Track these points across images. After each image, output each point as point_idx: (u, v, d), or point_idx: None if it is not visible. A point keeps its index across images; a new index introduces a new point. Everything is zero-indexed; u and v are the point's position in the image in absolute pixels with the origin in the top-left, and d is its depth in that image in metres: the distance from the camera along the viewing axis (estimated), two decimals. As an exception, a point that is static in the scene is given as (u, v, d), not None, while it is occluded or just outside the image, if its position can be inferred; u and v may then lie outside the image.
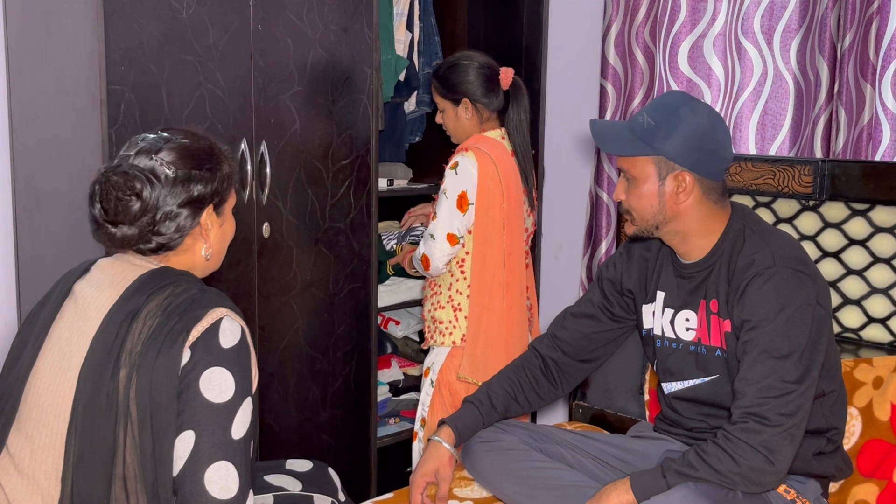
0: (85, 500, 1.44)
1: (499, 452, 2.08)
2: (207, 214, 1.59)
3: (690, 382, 1.99)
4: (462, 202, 2.55)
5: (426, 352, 2.77)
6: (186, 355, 1.44)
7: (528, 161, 2.68)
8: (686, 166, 1.84)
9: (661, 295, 2.03)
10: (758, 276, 1.81)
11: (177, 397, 1.43)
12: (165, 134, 1.58)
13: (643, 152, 1.85)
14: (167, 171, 1.52)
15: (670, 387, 2.04)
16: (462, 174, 2.55)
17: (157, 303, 1.48)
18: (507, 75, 2.65)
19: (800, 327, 1.77)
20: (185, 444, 1.43)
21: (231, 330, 1.48)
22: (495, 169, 2.56)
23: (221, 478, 1.43)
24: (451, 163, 2.58)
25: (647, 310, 2.07)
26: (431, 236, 2.57)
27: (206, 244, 1.61)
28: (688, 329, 1.97)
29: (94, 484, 1.44)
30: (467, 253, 2.60)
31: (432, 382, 2.66)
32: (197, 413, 1.43)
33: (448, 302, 2.63)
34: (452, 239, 2.56)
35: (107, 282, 1.54)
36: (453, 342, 2.62)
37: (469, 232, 2.58)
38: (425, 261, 2.60)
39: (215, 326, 1.47)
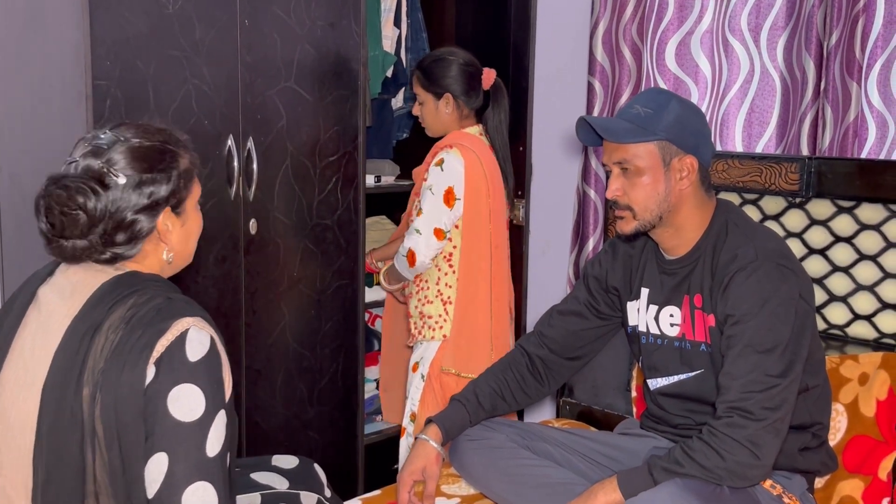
0: None
1: (486, 450, 2.08)
2: (165, 217, 1.49)
3: (675, 378, 2.00)
4: (449, 197, 2.58)
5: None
6: (151, 372, 1.37)
7: (507, 161, 2.74)
8: (691, 151, 1.86)
9: (645, 291, 2.03)
10: (741, 271, 1.82)
11: (143, 416, 1.37)
12: (114, 133, 1.48)
13: (649, 138, 1.84)
14: (115, 177, 1.43)
15: (655, 383, 2.05)
16: (448, 170, 2.58)
17: (120, 314, 1.41)
18: (489, 76, 2.70)
19: (783, 321, 1.77)
20: (157, 466, 1.36)
21: (199, 340, 1.41)
22: (480, 164, 2.61)
23: (200, 499, 1.37)
24: (436, 159, 2.61)
25: (631, 306, 2.08)
26: (417, 231, 2.59)
27: (166, 247, 1.52)
28: (672, 325, 1.98)
29: (66, 501, 1.39)
30: (455, 247, 2.63)
31: (423, 377, 2.66)
32: (167, 434, 1.36)
33: (437, 296, 2.65)
34: (440, 234, 2.58)
35: (69, 289, 1.47)
36: (444, 335, 2.64)
37: (456, 227, 2.62)
38: (411, 256, 2.60)
39: (181, 339, 1.39)
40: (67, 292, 1.47)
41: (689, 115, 1.88)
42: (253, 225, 2.51)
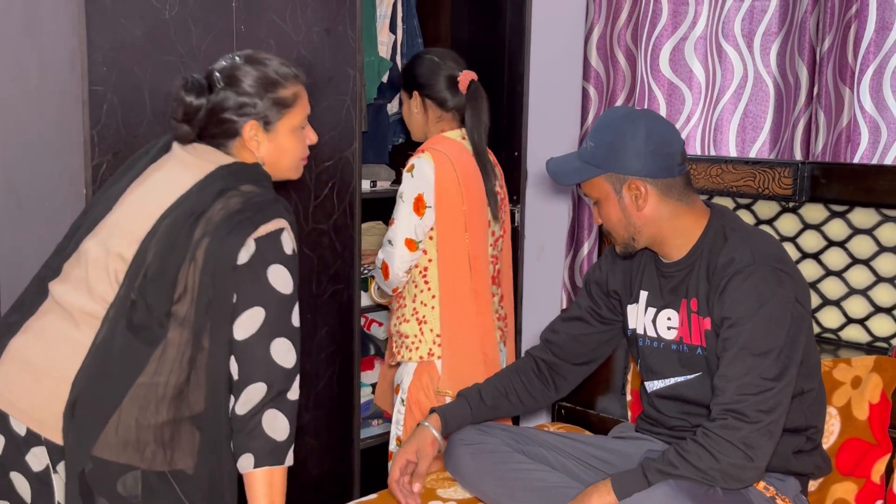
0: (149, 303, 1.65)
1: (481, 455, 2.09)
2: (251, 127, 1.80)
3: (672, 380, 2.01)
4: (419, 205, 2.46)
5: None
6: (252, 245, 1.67)
7: (487, 166, 2.56)
8: (634, 174, 1.89)
9: (644, 294, 2.05)
10: (738, 274, 1.83)
11: (234, 274, 1.65)
12: (241, 57, 1.83)
13: (592, 174, 1.92)
14: (218, 86, 1.78)
15: (653, 385, 2.06)
16: (417, 176, 2.47)
17: (245, 189, 1.72)
18: (464, 78, 2.54)
19: (779, 325, 1.79)
20: (254, 317, 1.67)
21: (289, 242, 1.72)
22: (453, 169, 2.47)
23: (284, 352, 1.68)
24: (407, 165, 2.50)
25: (631, 310, 2.09)
26: (389, 242, 2.49)
27: (256, 154, 1.82)
28: (669, 328, 1.99)
29: (158, 291, 1.65)
30: (430, 260, 2.51)
31: (402, 401, 2.56)
32: (266, 295, 1.67)
33: (413, 315, 2.53)
34: (411, 244, 2.47)
35: (192, 161, 1.79)
36: (420, 357, 2.51)
37: (430, 238, 2.49)
38: (385, 269, 2.51)
39: (278, 233, 1.70)
40: (191, 162, 1.79)
41: (629, 135, 1.88)
42: (249, 230, 2.51)
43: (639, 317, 2.07)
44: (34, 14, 2.29)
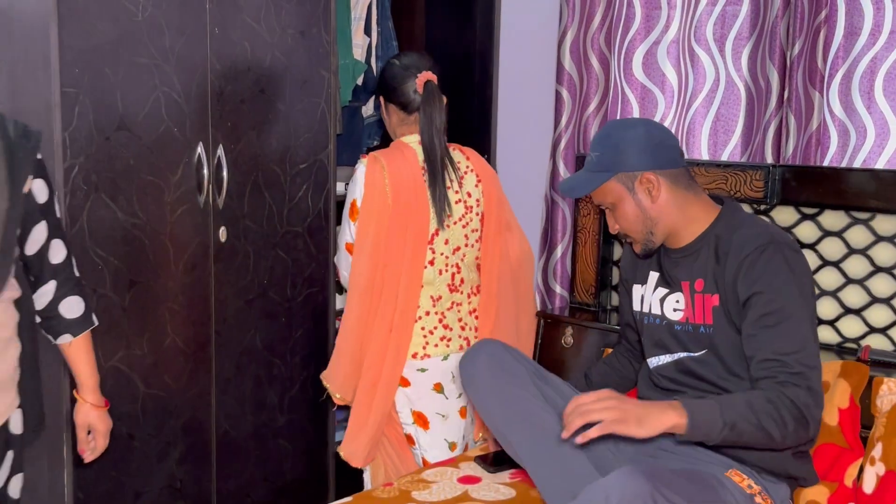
0: None
1: (498, 369, 2.15)
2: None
3: (677, 356, 2.06)
4: (353, 211, 2.48)
5: None
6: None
7: (439, 171, 2.49)
8: (643, 168, 1.99)
9: (654, 276, 2.14)
10: (763, 251, 1.90)
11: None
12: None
13: (604, 179, 2.02)
14: None
15: (658, 360, 2.11)
16: (353, 183, 2.49)
17: None
18: (420, 79, 2.50)
19: (809, 296, 1.91)
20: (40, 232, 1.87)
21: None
22: (383, 176, 2.45)
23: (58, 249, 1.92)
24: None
25: (636, 290, 2.19)
26: (337, 248, 2.56)
27: None
28: (675, 310, 2.07)
29: None
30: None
31: None
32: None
33: None
34: (351, 248, 2.50)
35: None
36: None
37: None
38: (338, 273, 2.55)
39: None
40: None
41: (630, 136, 2.01)
42: (223, 232, 2.50)
43: (645, 296, 2.16)
44: (6, 16, 2.26)
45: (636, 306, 2.19)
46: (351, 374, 2.54)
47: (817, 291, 2.46)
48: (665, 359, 2.09)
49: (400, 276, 2.47)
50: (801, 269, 1.92)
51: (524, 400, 2.10)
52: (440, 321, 2.54)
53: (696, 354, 2.02)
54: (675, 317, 2.06)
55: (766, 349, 1.85)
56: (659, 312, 2.10)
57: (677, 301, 2.06)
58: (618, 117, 2.98)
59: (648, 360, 2.14)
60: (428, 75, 2.51)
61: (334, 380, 2.58)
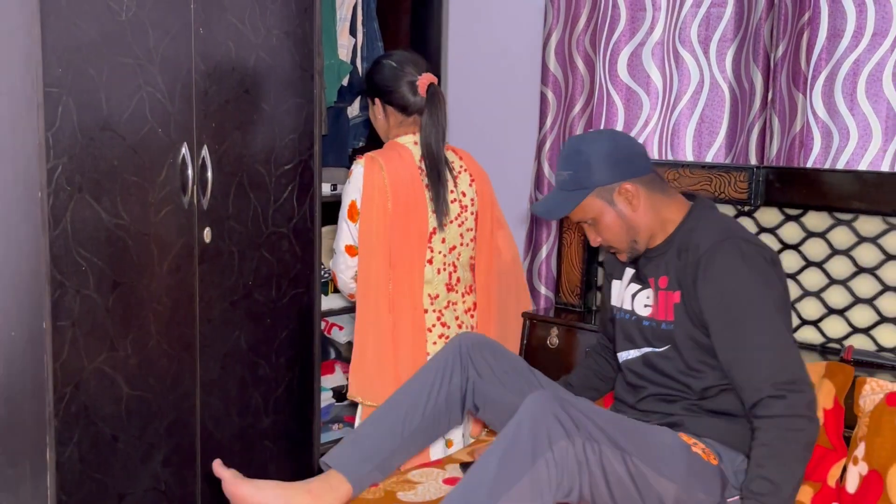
0: None
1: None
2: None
3: (644, 350, 2.10)
4: (352, 212, 2.46)
5: None
6: None
7: (441, 172, 2.48)
8: (619, 179, 2.02)
9: (629, 272, 2.18)
10: (720, 248, 1.94)
11: None
12: None
13: (582, 196, 2.03)
14: None
15: (627, 354, 2.15)
16: (351, 183, 2.46)
17: None
18: (423, 82, 2.48)
19: (770, 285, 1.93)
20: None
21: None
22: (382, 175, 2.43)
23: None
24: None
25: (615, 285, 2.23)
26: (334, 250, 2.51)
27: None
28: (645, 306, 2.11)
29: None
30: None
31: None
32: None
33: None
34: (352, 250, 2.47)
35: None
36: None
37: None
38: (334, 277, 2.52)
39: None
40: None
41: (600, 150, 2.03)
42: (207, 233, 2.49)
43: (621, 292, 2.19)
44: (-13, 14, 2.25)
45: (614, 301, 2.23)
46: (375, 375, 2.46)
47: (801, 292, 2.48)
48: (633, 353, 2.14)
49: (404, 275, 2.47)
50: (758, 260, 1.94)
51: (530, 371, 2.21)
52: (438, 319, 2.54)
53: (660, 350, 2.06)
54: (644, 313, 2.11)
55: (754, 379, 1.87)
56: (630, 308, 2.15)
57: (647, 297, 2.10)
58: (603, 118, 2.99)
59: (619, 354, 2.19)
60: (429, 77, 2.49)
61: (362, 388, 2.47)
